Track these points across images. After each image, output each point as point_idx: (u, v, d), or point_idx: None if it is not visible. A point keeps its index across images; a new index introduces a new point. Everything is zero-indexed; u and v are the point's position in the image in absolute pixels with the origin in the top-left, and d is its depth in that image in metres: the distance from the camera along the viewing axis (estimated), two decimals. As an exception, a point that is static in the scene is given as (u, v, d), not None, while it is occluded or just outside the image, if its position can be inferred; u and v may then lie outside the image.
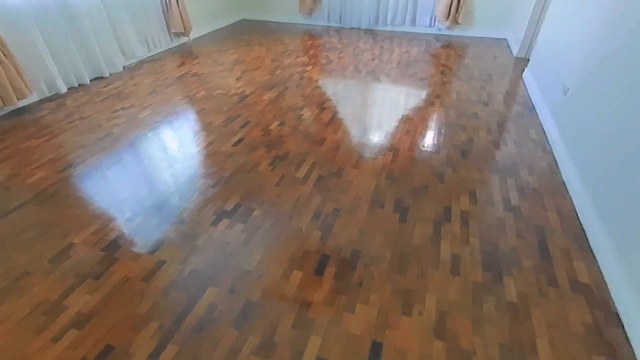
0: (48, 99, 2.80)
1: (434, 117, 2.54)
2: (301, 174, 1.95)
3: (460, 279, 1.34)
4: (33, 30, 2.62)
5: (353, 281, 1.33)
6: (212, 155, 2.11)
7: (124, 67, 3.42)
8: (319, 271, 1.37)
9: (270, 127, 2.43)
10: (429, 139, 2.26)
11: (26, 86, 2.54)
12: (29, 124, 2.46)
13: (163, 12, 3.82)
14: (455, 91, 2.95)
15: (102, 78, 3.20)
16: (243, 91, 2.97)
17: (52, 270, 1.39)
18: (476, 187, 1.83)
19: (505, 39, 4.37)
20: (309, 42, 4.31)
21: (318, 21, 5.09)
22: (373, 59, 3.73)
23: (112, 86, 3.05)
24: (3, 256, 1.45)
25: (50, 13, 2.74)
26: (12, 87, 2.46)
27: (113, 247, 1.50)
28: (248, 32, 4.75)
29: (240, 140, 2.27)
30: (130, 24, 3.43)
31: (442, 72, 3.36)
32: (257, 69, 3.47)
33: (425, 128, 2.40)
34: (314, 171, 1.97)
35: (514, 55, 3.78)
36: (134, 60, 3.59)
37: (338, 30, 4.82)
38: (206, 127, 2.43)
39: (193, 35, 4.32)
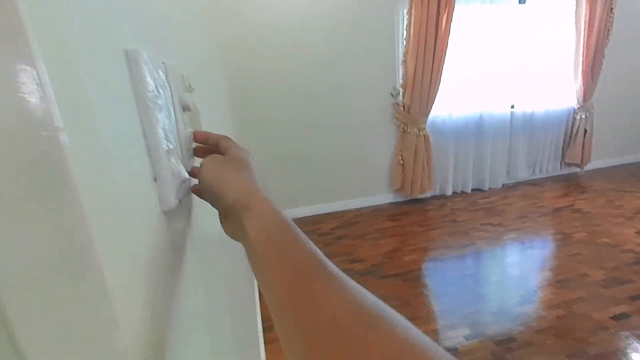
0: (436, 197, 3.51)
1: None
2: None
3: None
4: (451, 140, 3.40)
5: None
6: (579, 317, 1.78)
7: (502, 185, 3.69)
8: None
9: (683, 321, 1.72)
10: None
11: (429, 184, 3.34)
12: (418, 212, 3.19)
13: (564, 141, 3.79)
14: None
15: (481, 190, 3.61)
16: (644, 251, 2.33)
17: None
18: None
19: None
20: None
21: None
22: None
23: (487, 200, 3.37)
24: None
25: (467, 126, 3.41)
26: (420, 183, 3.31)
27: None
28: (672, 175, 3.71)
29: (623, 316, 1.77)
30: (525, 147, 3.68)
31: None
32: (678, 227, 2.61)
33: None
34: None
35: None
36: (514, 181, 3.77)
37: None
38: (577, 278, 2.10)
39: (589, 166, 3.93)
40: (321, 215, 3.28)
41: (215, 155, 0.38)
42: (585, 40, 3.32)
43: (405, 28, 2.97)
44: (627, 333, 1.67)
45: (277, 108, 2.97)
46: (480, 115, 3.41)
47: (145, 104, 0.23)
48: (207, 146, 0.44)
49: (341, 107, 3.10)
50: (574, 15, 3.31)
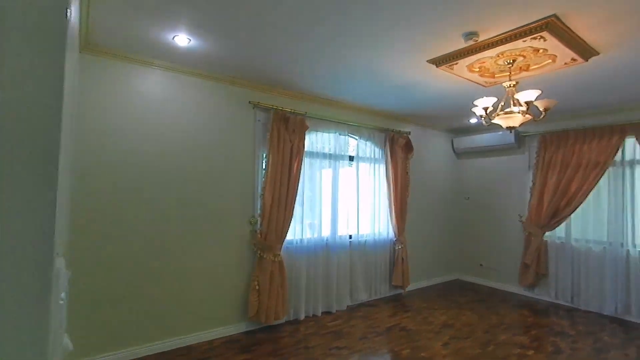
0: (290, 322, 3.61)
1: None
2: None
3: None
4: (303, 265, 3.74)
5: None
6: None
7: (347, 307, 4.11)
8: None
9: (476, 422, 2.13)
10: None
11: (283, 310, 3.45)
12: (271, 341, 3.18)
13: (390, 267, 4.65)
14: None
15: (329, 313, 3.92)
16: (448, 362, 2.88)
17: None
18: None
19: None
20: (530, 319, 3.94)
21: (542, 295, 4.72)
22: (626, 364, 2.92)
23: (334, 322, 3.66)
24: None
25: (317, 254, 3.88)
26: (275, 309, 3.39)
27: None
28: (460, 294, 4.89)
29: None
30: (362, 273, 4.33)
31: None
32: (467, 338, 3.37)
33: None
34: None
35: None
36: (357, 303, 4.27)
37: (569, 311, 4.24)
38: (405, 394, 2.40)
39: (409, 287, 4.84)
40: (167, 352, 2.89)
41: None
42: (393, 192, 4.53)
43: (264, 167, 3.48)
44: None
45: (125, 230, 2.81)
46: (326, 242, 3.98)
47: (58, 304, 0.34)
48: None
49: (198, 234, 3.15)
50: (385, 175, 4.56)
